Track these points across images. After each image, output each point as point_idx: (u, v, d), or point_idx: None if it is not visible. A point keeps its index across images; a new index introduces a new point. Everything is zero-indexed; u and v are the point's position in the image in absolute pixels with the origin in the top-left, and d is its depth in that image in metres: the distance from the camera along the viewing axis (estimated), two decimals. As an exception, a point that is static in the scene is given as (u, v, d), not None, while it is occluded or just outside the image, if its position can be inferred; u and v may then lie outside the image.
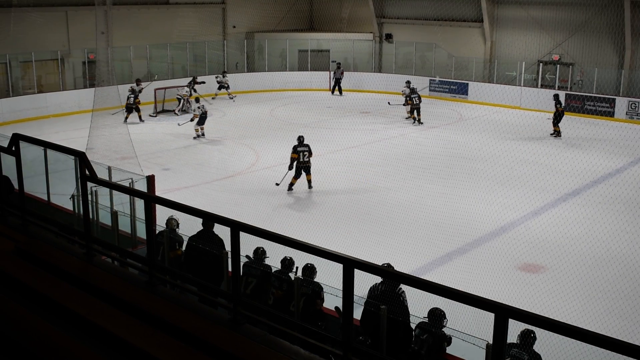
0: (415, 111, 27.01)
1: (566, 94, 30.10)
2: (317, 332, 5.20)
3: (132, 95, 26.29)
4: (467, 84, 33.12)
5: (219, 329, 5.11)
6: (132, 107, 26.35)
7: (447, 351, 7.42)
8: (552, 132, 25.10)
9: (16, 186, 7.70)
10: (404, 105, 27.79)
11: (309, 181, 18.20)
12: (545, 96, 29.18)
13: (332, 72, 34.48)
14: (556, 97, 25.40)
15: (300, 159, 17.89)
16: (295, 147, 18.00)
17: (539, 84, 31.81)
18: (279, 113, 29.42)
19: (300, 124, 24.91)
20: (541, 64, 31.86)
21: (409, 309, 7.75)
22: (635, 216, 15.92)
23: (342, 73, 34.30)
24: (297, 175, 17.96)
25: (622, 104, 28.61)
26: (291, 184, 17.94)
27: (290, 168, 17.90)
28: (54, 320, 4.93)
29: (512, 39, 32.89)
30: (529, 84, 31.84)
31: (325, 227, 14.75)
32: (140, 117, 26.98)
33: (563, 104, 25.85)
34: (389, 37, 37.29)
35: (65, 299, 5.32)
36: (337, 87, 34.09)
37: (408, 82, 28.75)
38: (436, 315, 7.42)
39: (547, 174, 19.23)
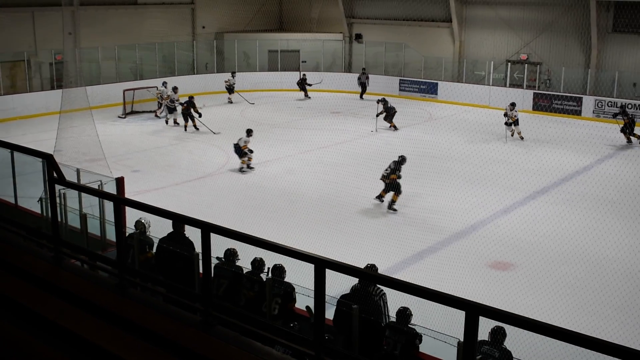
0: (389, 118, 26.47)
1: (534, 93, 30.50)
2: (290, 332, 5.20)
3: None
4: (437, 83, 33.36)
5: (191, 330, 5.08)
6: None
7: (419, 349, 7.46)
8: (628, 140, 24.50)
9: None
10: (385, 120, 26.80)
11: (390, 200, 16.96)
12: (514, 95, 29.52)
13: (357, 78, 33.91)
14: (623, 107, 25.47)
15: (383, 172, 16.96)
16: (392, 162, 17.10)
17: (507, 83, 32.15)
18: (249, 114, 29.35)
19: (271, 124, 24.91)
20: (509, 63, 32.21)
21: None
22: (602, 213, 16.15)
23: (367, 77, 33.64)
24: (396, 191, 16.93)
25: (589, 102, 29.02)
26: (380, 196, 17.20)
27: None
28: (24, 325, 4.86)
29: (481, 39, 33.21)
30: (498, 83, 32.18)
31: (296, 227, 14.74)
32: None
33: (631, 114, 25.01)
34: (358, 37, 37.42)
35: (34, 303, 5.24)
36: (363, 92, 33.41)
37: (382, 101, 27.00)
38: (404, 315, 7.47)
39: (515, 172, 19.44)
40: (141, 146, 23.40)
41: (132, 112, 28.87)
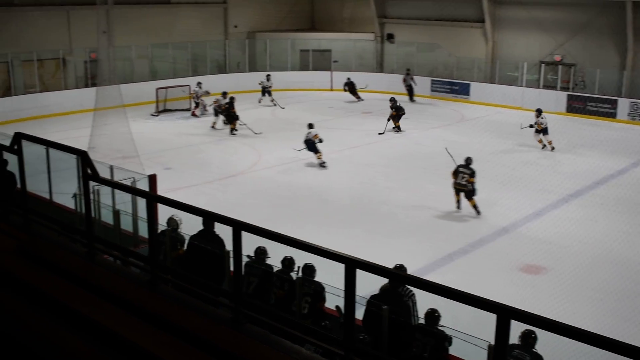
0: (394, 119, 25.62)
1: (568, 95, 30.12)
2: (319, 331, 5.20)
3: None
4: (469, 84, 33.11)
5: (221, 328, 5.11)
6: (218, 112, 26.05)
7: (449, 352, 7.42)
8: None
9: (19, 184, 7.71)
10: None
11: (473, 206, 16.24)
12: (547, 97, 29.21)
13: (402, 80, 33.11)
14: None
15: (458, 180, 16.18)
16: (457, 166, 16.32)
17: (541, 84, 31.79)
18: (280, 113, 29.43)
19: (301, 123, 24.87)
20: (543, 64, 31.83)
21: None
22: (637, 217, 15.91)
23: (412, 78, 32.69)
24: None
25: (624, 105, 28.60)
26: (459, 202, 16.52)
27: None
28: (57, 319, 4.93)
29: (514, 40, 32.89)
30: (531, 85, 31.83)
31: (327, 227, 14.75)
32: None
33: None
34: (390, 37, 37.29)
35: (67, 298, 5.31)
36: (411, 94, 32.52)
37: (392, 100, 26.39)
38: (432, 316, 7.43)
39: (548, 175, 19.23)
40: (173, 144, 23.59)
41: (165, 110, 29.12)
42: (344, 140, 23.73)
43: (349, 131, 25.21)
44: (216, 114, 26.16)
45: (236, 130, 24.92)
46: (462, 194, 16.10)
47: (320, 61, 36.71)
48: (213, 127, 25.90)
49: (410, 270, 8.97)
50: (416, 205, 16.67)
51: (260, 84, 31.22)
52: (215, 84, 32.14)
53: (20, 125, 22.54)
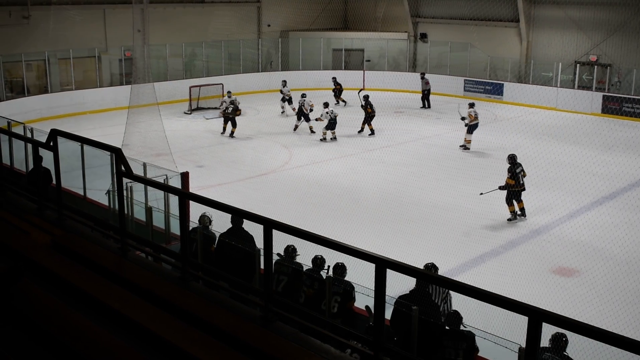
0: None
1: (603, 96, 29.69)
2: (349, 330, 5.20)
3: (232, 107, 25.11)
4: (502, 84, 32.81)
5: (251, 325, 5.13)
6: (229, 117, 25.29)
7: (479, 354, 7.37)
8: None
9: (54, 180, 7.83)
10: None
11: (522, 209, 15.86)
12: (582, 97, 28.83)
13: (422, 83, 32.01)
14: None
15: (521, 182, 15.65)
16: (512, 170, 15.67)
17: (576, 85, 31.37)
18: (312, 112, 29.42)
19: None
20: (578, 64, 31.41)
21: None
22: (673, 221, 15.63)
23: (427, 83, 31.41)
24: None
25: (661, 106, 28.14)
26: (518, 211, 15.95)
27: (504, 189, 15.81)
28: (89, 313, 5.00)
29: (549, 39, 32.50)
30: (566, 85, 31.43)
31: (357, 226, 14.73)
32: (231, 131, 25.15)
33: None
34: (423, 36, 37.12)
35: (100, 293, 5.39)
36: (426, 100, 31.35)
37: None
38: (455, 318, 7.39)
39: (582, 176, 18.96)
40: (206, 142, 23.75)
41: (198, 109, 29.33)
42: (376, 140, 23.67)
43: (381, 130, 25.13)
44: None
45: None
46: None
47: (353, 60, 36.67)
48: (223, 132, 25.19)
49: (440, 271, 8.94)
50: (448, 206, 16.56)
51: (281, 93, 29.78)
52: (247, 82, 32.33)
53: (56, 122, 22.88)
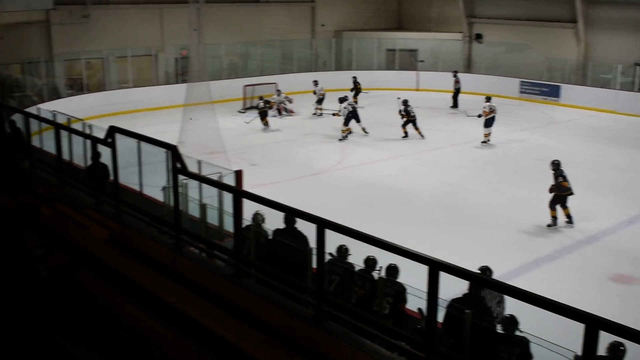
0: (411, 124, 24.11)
1: (665, 99, 28.91)
2: (400, 332, 5.17)
3: (262, 102, 25.96)
4: (559, 86, 32.16)
5: (302, 324, 5.15)
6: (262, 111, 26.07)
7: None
8: None
9: (112, 176, 7.99)
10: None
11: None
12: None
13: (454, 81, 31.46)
14: None
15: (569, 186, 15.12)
16: (560, 174, 15.15)
17: (636, 87, 30.57)
18: (365, 112, 29.32)
19: (387, 123, 24.82)
20: (638, 66, 30.61)
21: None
22: None
23: (457, 82, 30.97)
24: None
25: None
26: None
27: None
28: (144, 306, 5.08)
29: (608, 40, 31.72)
30: (625, 88, 30.64)
31: (410, 227, 14.66)
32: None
33: None
34: (479, 37, 36.66)
35: (154, 287, 5.47)
36: (456, 99, 30.80)
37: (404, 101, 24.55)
38: (511, 322, 7.27)
39: (641, 181, 18.50)
40: (259, 141, 23.91)
41: (252, 107, 29.51)
42: (430, 141, 23.51)
43: (435, 132, 24.93)
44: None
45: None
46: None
47: (407, 61, 36.47)
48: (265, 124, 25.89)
49: (494, 275, 8.81)
50: (503, 209, 16.32)
51: (314, 94, 29.32)
52: (301, 82, 32.42)
53: (113, 119, 23.33)
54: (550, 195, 15.12)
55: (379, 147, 22.96)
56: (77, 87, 28.78)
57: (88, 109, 26.00)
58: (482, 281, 6.68)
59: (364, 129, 24.43)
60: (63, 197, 8.05)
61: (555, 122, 28.11)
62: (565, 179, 15.06)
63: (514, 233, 14.86)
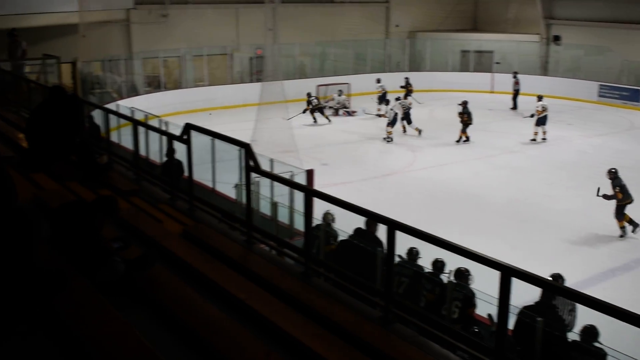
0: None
1: None
2: (469, 337, 5.11)
3: (316, 99, 27.06)
4: (640, 90, 31.14)
5: (371, 325, 5.14)
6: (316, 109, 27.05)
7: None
8: None
9: (186, 172, 8.15)
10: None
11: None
12: None
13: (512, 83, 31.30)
14: None
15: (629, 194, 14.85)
16: (618, 183, 14.96)
17: None
18: (438, 114, 29.12)
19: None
20: None
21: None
22: None
23: (517, 83, 30.74)
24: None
25: None
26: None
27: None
28: (215, 301, 5.16)
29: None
30: None
31: (481, 231, 14.45)
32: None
33: None
34: (556, 39, 35.75)
35: (225, 282, 5.55)
36: (515, 100, 30.54)
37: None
38: (591, 333, 7.08)
39: None
40: (331, 140, 23.98)
41: (325, 107, 29.63)
42: (503, 145, 23.13)
43: (509, 135, 24.52)
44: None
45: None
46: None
47: (482, 62, 35.94)
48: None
49: (567, 283, 8.61)
50: (577, 216, 15.90)
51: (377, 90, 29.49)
52: (374, 83, 32.30)
53: (188, 117, 23.77)
54: (614, 206, 14.76)
55: (450, 150, 22.73)
56: (155, 84, 29.50)
57: (165, 106, 26.60)
58: (555, 289, 6.53)
59: (417, 129, 24.43)
60: (139, 191, 8.25)
61: (636, 127, 27.22)
62: (622, 189, 14.64)
63: (588, 240, 14.48)
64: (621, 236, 14.78)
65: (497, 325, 4.68)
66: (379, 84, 29.24)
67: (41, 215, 5.00)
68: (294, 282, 5.85)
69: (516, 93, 30.50)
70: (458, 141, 23.50)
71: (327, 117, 26.90)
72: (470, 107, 23.54)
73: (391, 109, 23.90)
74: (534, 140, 23.78)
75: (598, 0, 33.02)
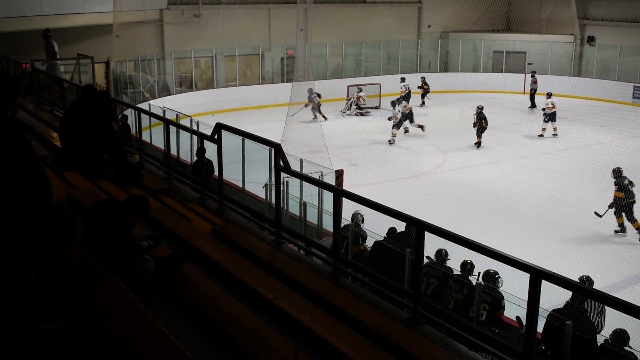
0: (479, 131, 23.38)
1: None
2: (497, 340, 5.08)
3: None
4: (678, 91, 30.62)
5: (398, 326, 5.14)
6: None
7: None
8: None
9: (216, 172, 8.21)
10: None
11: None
12: None
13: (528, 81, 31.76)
14: None
15: (631, 194, 15.16)
16: (619, 183, 15.38)
17: None
18: (469, 115, 28.87)
19: (491, 126, 24.32)
20: None
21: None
22: None
23: (534, 82, 31.10)
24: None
25: None
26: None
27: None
28: (244, 300, 5.20)
29: None
30: None
31: (511, 233, 14.34)
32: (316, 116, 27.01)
33: None
34: (591, 39, 35.28)
35: (254, 282, 5.59)
36: (533, 99, 30.79)
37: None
38: (622, 337, 7.00)
39: None
40: (361, 141, 23.97)
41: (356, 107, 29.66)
42: (535, 146, 22.92)
43: (541, 136, 24.28)
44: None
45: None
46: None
47: (514, 63, 35.61)
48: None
49: (598, 286, 8.52)
50: (609, 219, 15.70)
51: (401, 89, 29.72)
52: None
53: (219, 116, 23.96)
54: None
55: (480, 151, 22.59)
56: (187, 84, 29.74)
57: (196, 105, 26.81)
58: (585, 292, 6.46)
59: (419, 126, 24.62)
60: (169, 190, 8.34)
61: (670, 129, 26.76)
62: (622, 187, 14.97)
63: (620, 243, 14.31)
64: (616, 232, 15.10)
65: (526, 327, 4.66)
66: (403, 83, 29.30)
67: (74, 214, 5.08)
68: (322, 282, 5.87)
69: (533, 92, 30.65)
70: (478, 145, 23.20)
71: (323, 115, 26.83)
72: (485, 111, 23.36)
73: (399, 112, 23.81)
74: (541, 136, 24.64)
75: (633, 0, 32.51)
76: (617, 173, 15.53)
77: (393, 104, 25.54)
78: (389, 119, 24.46)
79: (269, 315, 5.12)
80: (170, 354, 4.07)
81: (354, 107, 28.97)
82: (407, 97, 28.26)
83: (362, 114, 28.82)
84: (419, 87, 30.78)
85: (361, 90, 29.43)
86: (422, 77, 31.45)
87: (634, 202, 15.15)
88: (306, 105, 26.01)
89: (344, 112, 28.90)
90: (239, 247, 6.46)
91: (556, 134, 24.68)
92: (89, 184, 8.08)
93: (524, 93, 33.28)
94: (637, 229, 14.97)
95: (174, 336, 4.21)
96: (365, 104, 29.31)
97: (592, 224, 15.38)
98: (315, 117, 26.70)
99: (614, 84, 32.26)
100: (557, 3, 35.98)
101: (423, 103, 31.20)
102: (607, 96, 31.08)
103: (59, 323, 4.42)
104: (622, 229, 15.15)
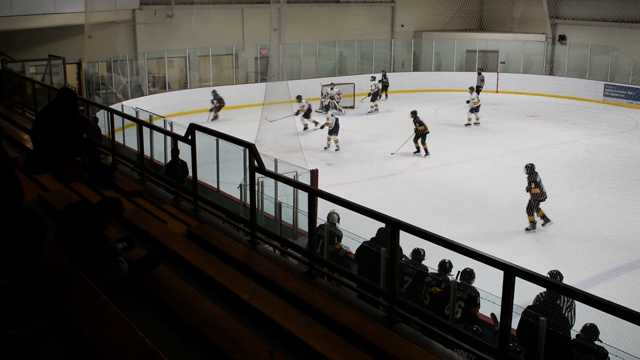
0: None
1: None
2: (472, 337, 5.11)
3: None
4: (647, 89, 31.06)
5: (374, 325, 5.15)
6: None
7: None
8: None
9: (190, 173, 8.17)
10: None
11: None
12: None
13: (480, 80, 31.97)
14: None
15: (544, 190, 15.52)
16: (533, 179, 15.65)
17: None
18: (443, 114, 29.10)
19: (463, 125, 24.51)
20: None
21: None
22: None
23: (482, 80, 31.76)
24: None
25: None
26: None
27: None
28: (219, 301, 5.18)
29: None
30: None
31: (484, 232, 14.46)
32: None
33: None
34: (562, 38, 35.68)
35: (229, 283, 5.57)
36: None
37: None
38: (592, 332, 7.09)
39: None
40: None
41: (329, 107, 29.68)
42: (508, 144, 23.08)
43: (514, 134, 24.48)
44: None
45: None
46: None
47: (487, 62, 35.90)
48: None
49: (570, 282, 8.61)
50: (581, 215, 15.86)
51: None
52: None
53: (193, 117, 23.83)
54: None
55: (455, 150, 22.71)
56: (160, 85, 29.56)
57: (170, 106, 26.65)
58: (559, 288, 6.53)
59: (316, 122, 25.19)
60: (143, 192, 8.28)
61: (641, 127, 27.17)
62: (537, 184, 15.14)
63: (591, 240, 14.45)
64: (527, 229, 15.27)
65: (500, 324, 4.69)
66: (373, 82, 29.55)
67: (46, 217, 5.02)
68: (298, 282, 5.86)
69: (479, 89, 30.63)
70: (417, 151, 22.35)
71: (314, 122, 25.99)
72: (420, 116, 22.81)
73: (332, 116, 23.42)
74: (468, 124, 26.48)
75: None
76: (530, 169, 15.64)
77: (375, 99, 25.98)
78: (322, 127, 24.04)
79: (245, 316, 5.10)
80: (145, 356, 4.04)
81: (332, 102, 28.83)
82: (375, 95, 28.52)
83: (340, 112, 28.74)
84: (379, 82, 31.02)
85: (333, 85, 29.44)
86: (382, 71, 31.87)
87: (545, 199, 15.45)
88: (297, 113, 24.86)
89: (322, 111, 28.65)
90: (214, 248, 6.43)
91: (478, 123, 26.60)
92: (62, 186, 7.99)
93: (497, 92, 33.55)
94: (541, 217, 15.38)
95: (149, 338, 4.18)
96: (340, 101, 29.33)
97: (565, 221, 15.56)
98: (307, 127, 25.75)
99: (585, 82, 32.67)
100: (529, 2, 36.35)
101: (386, 96, 31.86)
102: (578, 94, 31.46)
103: (32, 327, 4.37)
104: (534, 225, 15.38)
